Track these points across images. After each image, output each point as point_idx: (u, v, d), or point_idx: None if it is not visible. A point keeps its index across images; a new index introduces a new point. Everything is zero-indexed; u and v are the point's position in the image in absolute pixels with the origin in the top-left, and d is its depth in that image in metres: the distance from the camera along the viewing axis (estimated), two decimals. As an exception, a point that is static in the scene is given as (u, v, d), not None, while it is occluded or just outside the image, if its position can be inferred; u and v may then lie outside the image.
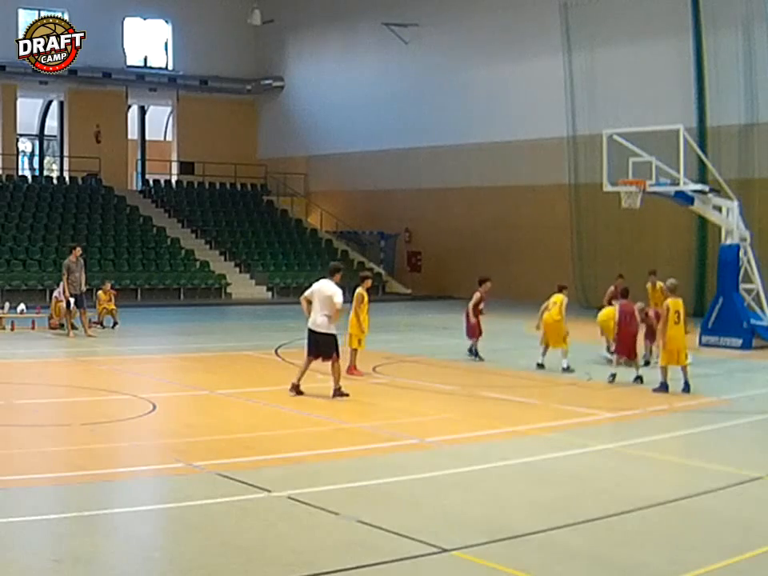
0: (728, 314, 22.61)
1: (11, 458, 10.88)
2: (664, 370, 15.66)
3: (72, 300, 23.09)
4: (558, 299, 18.27)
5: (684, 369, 15.73)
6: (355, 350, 17.32)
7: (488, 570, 7.53)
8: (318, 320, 14.64)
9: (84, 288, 23.52)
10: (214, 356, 20.85)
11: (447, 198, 39.46)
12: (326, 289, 14.69)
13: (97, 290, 26.16)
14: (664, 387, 15.57)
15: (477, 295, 19.52)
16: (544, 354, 18.29)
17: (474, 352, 19.55)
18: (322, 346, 14.67)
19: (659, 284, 20.07)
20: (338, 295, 14.54)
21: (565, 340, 18.07)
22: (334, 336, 14.73)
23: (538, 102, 35.64)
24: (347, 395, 14.66)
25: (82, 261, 23.84)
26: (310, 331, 14.77)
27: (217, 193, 44.86)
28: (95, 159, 42.28)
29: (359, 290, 17.24)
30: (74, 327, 23.34)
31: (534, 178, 36.14)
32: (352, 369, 17.17)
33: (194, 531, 8.42)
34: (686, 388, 15.64)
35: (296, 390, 14.80)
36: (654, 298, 20.00)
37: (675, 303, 15.58)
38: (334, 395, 14.65)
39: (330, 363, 14.76)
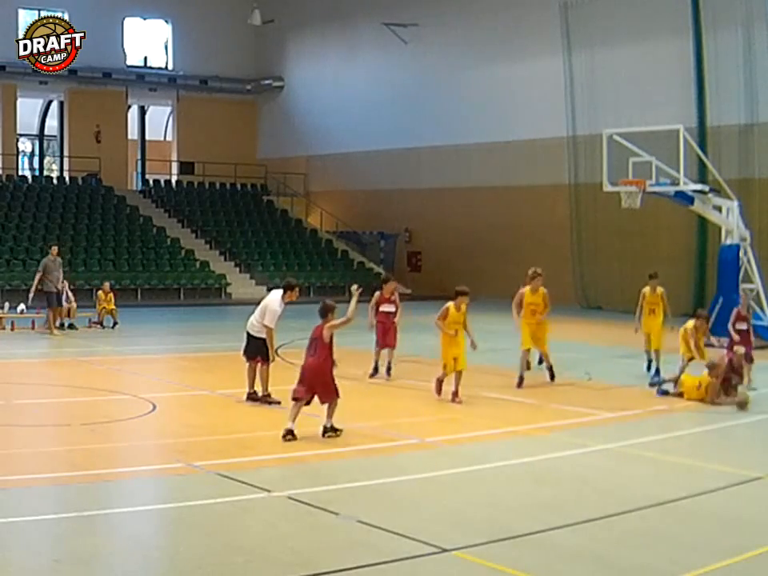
0: (728, 314, 22.54)
1: (11, 458, 10.89)
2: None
3: (48, 298, 23.24)
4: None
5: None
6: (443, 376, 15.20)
7: (488, 570, 7.53)
8: None
9: (60, 287, 23.69)
10: (214, 356, 20.85)
11: (447, 197, 39.46)
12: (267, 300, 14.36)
13: (97, 290, 26.18)
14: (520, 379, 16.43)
15: (376, 294, 17.48)
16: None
17: (375, 367, 17.29)
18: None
19: (660, 289, 17.99)
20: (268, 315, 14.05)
21: None
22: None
23: (538, 102, 35.64)
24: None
25: (59, 260, 24.06)
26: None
27: (217, 193, 44.87)
28: (95, 159, 42.29)
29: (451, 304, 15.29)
30: (60, 326, 23.60)
31: (534, 178, 36.14)
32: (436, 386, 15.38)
33: (194, 531, 8.42)
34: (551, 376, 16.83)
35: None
36: (651, 304, 17.83)
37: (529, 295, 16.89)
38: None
39: None
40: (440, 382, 15.15)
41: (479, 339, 19.62)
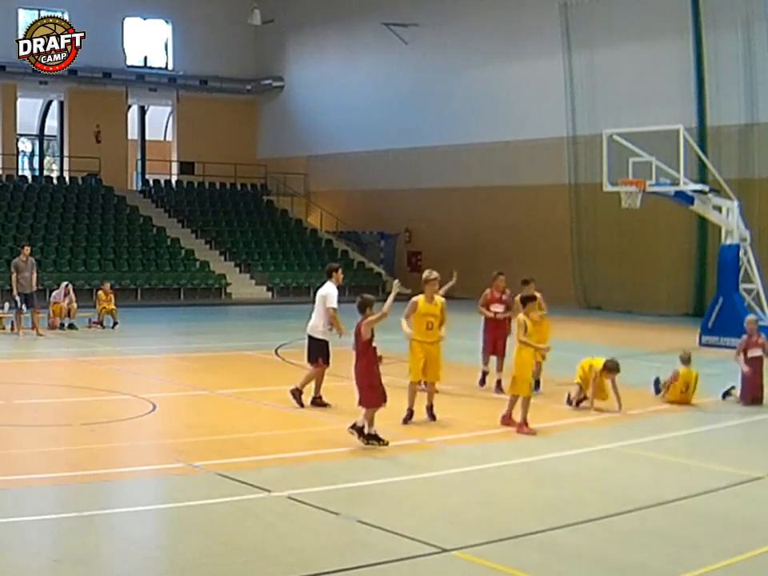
0: (728, 314, 22.60)
1: (11, 458, 10.89)
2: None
3: (18, 299, 23.07)
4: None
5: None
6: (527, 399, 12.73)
7: (488, 570, 7.53)
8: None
9: (35, 287, 23.46)
10: (214, 356, 20.86)
11: (448, 197, 39.45)
12: (321, 291, 14.30)
13: (97, 290, 26.18)
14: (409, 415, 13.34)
15: (486, 292, 16.07)
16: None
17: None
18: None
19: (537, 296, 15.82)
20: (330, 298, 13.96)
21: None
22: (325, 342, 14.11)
23: (538, 102, 35.65)
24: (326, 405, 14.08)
25: (32, 260, 23.93)
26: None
27: (217, 193, 44.85)
28: (95, 159, 42.27)
29: (521, 315, 13.14)
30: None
31: (534, 177, 36.14)
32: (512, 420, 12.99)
33: (194, 531, 8.43)
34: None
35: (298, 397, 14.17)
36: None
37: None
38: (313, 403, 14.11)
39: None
40: (524, 422, 12.69)
41: (474, 339, 19.28)
